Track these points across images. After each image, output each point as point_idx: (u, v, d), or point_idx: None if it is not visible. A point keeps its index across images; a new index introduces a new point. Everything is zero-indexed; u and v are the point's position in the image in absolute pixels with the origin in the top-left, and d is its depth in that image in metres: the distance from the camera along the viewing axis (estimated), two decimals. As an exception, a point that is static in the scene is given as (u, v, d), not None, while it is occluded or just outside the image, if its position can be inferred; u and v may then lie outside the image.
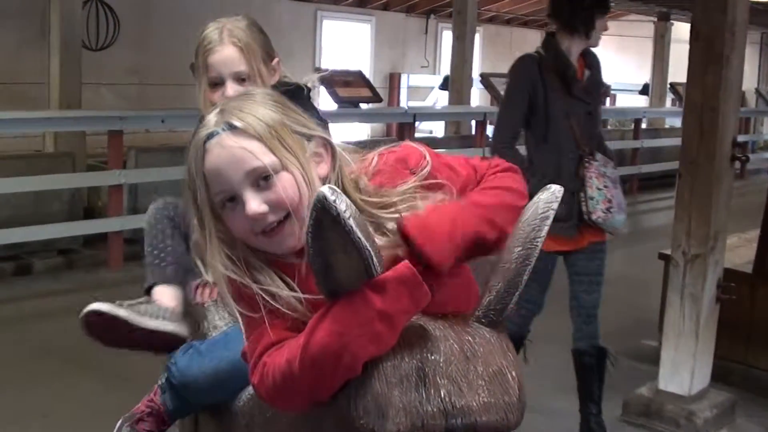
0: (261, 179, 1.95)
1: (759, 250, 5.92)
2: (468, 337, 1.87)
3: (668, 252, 5.35)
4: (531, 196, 1.99)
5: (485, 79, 14.55)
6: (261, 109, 2.01)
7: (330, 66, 15.15)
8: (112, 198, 8.46)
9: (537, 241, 1.90)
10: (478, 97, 17.98)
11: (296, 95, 2.95)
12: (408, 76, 19.01)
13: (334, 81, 11.41)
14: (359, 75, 12.55)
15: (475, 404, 1.80)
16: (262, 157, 1.95)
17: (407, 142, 2.13)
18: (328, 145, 2.06)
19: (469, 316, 1.93)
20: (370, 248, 1.75)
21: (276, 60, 3.22)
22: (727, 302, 5.28)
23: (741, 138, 6.28)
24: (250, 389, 2.38)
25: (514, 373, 1.87)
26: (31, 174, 7.97)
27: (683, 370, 5.19)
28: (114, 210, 8.43)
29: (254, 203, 1.93)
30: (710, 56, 4.93)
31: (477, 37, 16.05)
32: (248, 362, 1.96)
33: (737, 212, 5.72)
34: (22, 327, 6.66)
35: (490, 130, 13.12)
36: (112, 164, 8.45)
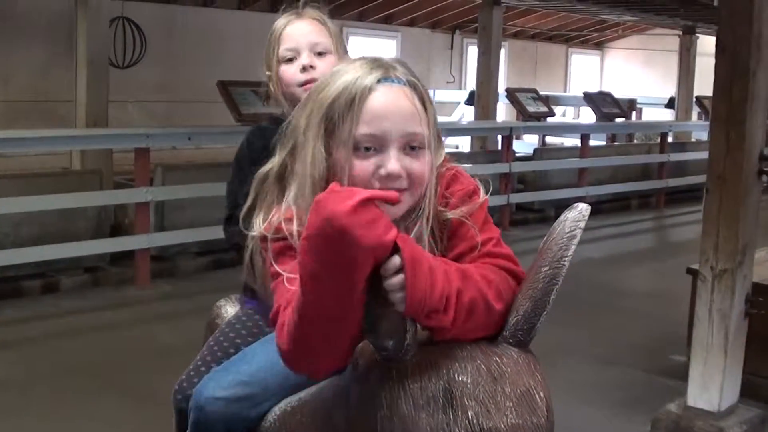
0: (411, 146, 1.99)
1: (788, 265, 5.88)
2: (495, 358, 1.87)
3: (696, 267, 5.32)
4: None
5: (511, 94, 14.55)
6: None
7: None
8: (139, 215, 8.47)
9: (564, 261, 1.89)
10: (504, 112, 17.98)
11: None
12: (434, 92, 19.03)
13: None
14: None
15: (503, 426, 1.79)
16: (424, 126, 1.99)
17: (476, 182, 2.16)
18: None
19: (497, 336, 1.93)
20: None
21: (348, 56, 3.01)
22: (755, 317, 5.25)
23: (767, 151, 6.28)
24: (276, 410, 2.37)
25: (542, 394, 1.86)
26: (58, 192, 7.99)
27: (712, 385, 5.15)
28: (141, 227, 8.44)
29: (396, 163, 1.96)
30: (736, 70, 4.90)
31: (502, 52, 16.04)
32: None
33: (765, 226, 5.68)
34: (49, 344, 6.68)
35: (516, 145, 13.15)
36: (138, 182, 8.47)
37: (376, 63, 2.03)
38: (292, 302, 1.87)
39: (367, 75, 1.98)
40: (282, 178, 2.13)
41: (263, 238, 2.08)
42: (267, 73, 3.05)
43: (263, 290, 2.20)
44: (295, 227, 2.00)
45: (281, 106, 3.06)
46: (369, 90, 1.96)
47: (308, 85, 2.90)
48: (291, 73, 2.97)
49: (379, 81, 1.98)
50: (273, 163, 2.15)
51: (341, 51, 3.03)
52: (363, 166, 1.96)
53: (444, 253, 2.06)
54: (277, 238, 2.04)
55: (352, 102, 1.96)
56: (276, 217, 2.06)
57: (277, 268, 2.02)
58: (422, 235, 2.04)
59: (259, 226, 2.12)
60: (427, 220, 2.05)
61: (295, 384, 2.35)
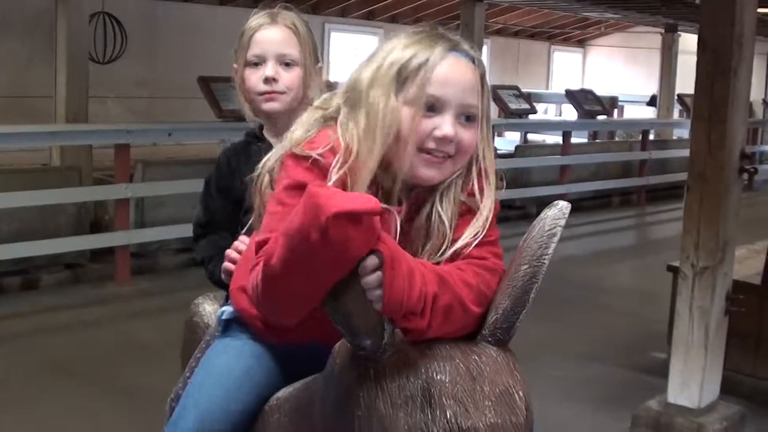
0: (467, 115, 2.12)
1: (768, 262, 5.89)
2: (474, 357, 1.86)
3: (677, 264, 5.33)
4: None
5: (493, 91, 14.52)
6: None
7: (338, 79, 15.16)
8: (119, 212, 8.44)
9: (544, 259, 1.88)
10: (485, 109, 17.97)
11: None
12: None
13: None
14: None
15: (481, 425, 1.78)
16: (478, 100, 2.14)
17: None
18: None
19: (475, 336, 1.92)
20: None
21: (320, 65, 3.04)
22: (736, 314, 5.25)
23: (748, 149, 6.26)
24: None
25: (521, 393, 1.85)
26: (37, 188, 7.95)
27: (692, 382, 5.16)
28: (121, 224, 8.41)
29: (452, 128, 2.08)
30: (718, 68, 4.90)
31: (485, 50, 16.06)
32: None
33: (745, 223, 5.70)
34: (28, 341, 6.64)
35: (497, 142, 13.14)
36: (118, 178, 8.43)
37: (444, 35, 2.17)
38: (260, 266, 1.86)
39: (439, 43, 2.12)
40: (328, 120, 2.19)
41: (291, 156, 2.11)
42: (234, 66, 3.00)
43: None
44: (336, 160, 2.05)
45: (242, 107, 3.05)
46: (441, 57, 2.09)
47: (267, 96, 2.92)
48: (254, 80, 2.93)
49: (449, 51, 2.11)
50: (328, 104, 2.22)
51: (310, 63, 2.96)
52: (420, 127, 2.08)
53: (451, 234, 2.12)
54: (307, 157, 2.08)
55: (425, 64, 2.08)
56: (320, 140, 2.11)
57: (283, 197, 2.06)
58: (434, 206, 2.14)
59: (289, 141, 2.16)
60: (445, 194, 2.15)
61: (254, 377, 2.37)
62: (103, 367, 6.16)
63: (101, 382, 5.86)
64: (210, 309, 3.00)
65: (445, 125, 2.07)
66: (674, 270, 5.61)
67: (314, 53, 3.00)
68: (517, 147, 13.90)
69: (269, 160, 2.24)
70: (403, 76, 2.09)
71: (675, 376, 5.23)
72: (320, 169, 2.06)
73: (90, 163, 9.51)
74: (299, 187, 1.98)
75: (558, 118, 20.90)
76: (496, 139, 13.30)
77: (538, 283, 1.87)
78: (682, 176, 5.43)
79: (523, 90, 15.21)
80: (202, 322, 2.96)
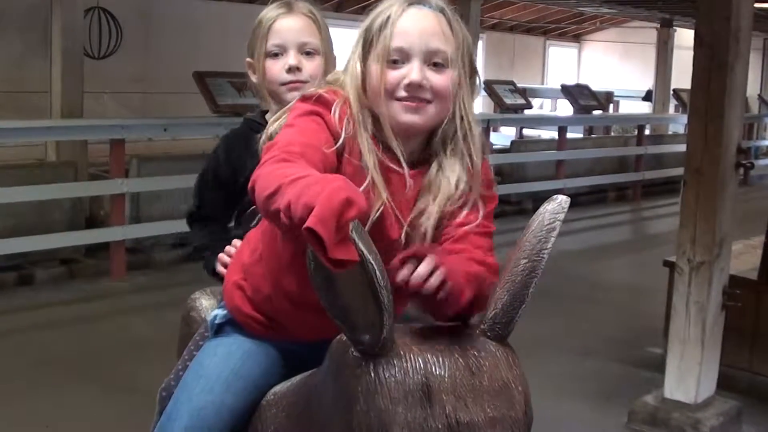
0: (434, 62, 2.20)
1: (764, 257, 5.88)
2: (473, 351, 1.85)
3: (673, 259, 5.33)
4: None
5: (488, 86, 14.54)
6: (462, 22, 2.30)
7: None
8: (114, 207, 8.42)
9: (543, 253, 1.88)
10: (481, 104, 17.96)
11: None
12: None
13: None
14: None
15: (480, 420, 1.78)
16: (447, 45, 2.21)
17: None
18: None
19: (475, 329, 1.91)
20: (373, 261, 1.73)
21: (335, 57, 2.98)
22: (732, 309, 5.25)
23: (744, 144, 6.26)
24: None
25: (520, 388, 1.85)
26: (33, 183, 7.94)
27: (689, 377, 5.16)
28: (116, 219, 8.39)
29: (419, 73, 2.18)
30: (714, 63, 4.90)
31: (480, 45, 16.04)
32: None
33: (741, 219, 5.69)
34: (24, 337, 6.64)
35: (493, 137, 13.14)
36: (114, 173, 8.42)
37: None
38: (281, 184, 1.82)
39: (401, 0, 2.23)
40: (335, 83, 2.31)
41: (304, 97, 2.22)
42: (248, 60, 2.95)
43: None
44: (336, 114, 2.17)
45: (264, 100, 2.96)
46: (401, 11, 2.21)
47: (292, 85, 2.85)
48: (276, 70, 2.87)
49: (410, 5, 2.22)
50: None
51: (329, 52, 2.92)
52: (392, 78, 2.18)
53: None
54: (313, 95, 2.21)
55: (387, 21, 2.20)
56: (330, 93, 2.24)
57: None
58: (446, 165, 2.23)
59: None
60: (449, 148, 2.24)
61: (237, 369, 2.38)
62: (98, 362, 6.15)
63: (96, 377, 5.85)
64: (207, 304, 2.99)
65: (411, 72, 2.17)
66: (671, 265, 5.61)
67: (331, 42, 2.97)
68: (512, 142, 13.91)
69: (273, 124, 2.29)
70: (368, 37, 2.23)
71: (671, 371, 5.23)
72: (324, 104, 2.17)
73: (85, 158, 9.50)
74: (309, 113, 2.15)
75: (553, 113, 20.88)
76: (492, 134, 13.29)
77: (538, 278, 1.87)
78: (678, 171, 5.43)
79: (519, 85, 15.21)
80: (199, 317, 2.94)
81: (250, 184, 1.91)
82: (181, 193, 8.36)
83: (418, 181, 2.22)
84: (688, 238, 5.08)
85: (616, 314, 7.78)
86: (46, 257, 8.24)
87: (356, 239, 1.69)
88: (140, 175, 8.69)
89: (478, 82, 2.33)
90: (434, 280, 1.86)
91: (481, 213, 2.23)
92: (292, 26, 2.88)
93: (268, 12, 2.92)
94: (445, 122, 2.22)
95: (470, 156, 2.23)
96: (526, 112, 15.00)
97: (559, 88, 16.60)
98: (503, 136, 16.07)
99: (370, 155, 2.15)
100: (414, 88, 2.17)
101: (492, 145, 12.33)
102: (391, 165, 2.19)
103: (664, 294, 6.05)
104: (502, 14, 21.28)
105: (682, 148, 5.32)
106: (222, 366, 2.39)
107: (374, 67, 2.20)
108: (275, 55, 2.88)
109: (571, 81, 19.67)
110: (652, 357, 6.33)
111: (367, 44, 2.24)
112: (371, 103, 2.21)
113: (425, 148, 2.27)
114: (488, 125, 12.34)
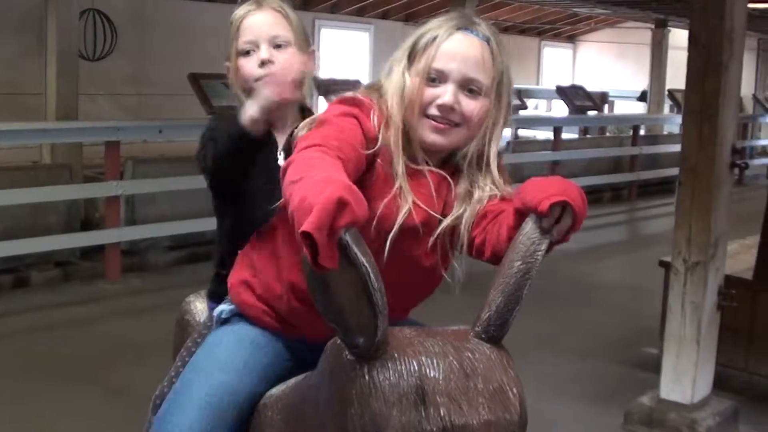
0: (470, 88, 2.29)
1: (759, 257, 5.89)
2: (468, 354, 1.85)
3: (669, 259, 5.33)
4: None
5: (483, 87, 14.51)
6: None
7: (328, 75, 15.14)
8: (110, 209, 8.41)
9: (537, 255, 1.88)
10: (476, 105, 17.98)
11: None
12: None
13: (332, 90, 11.38)
14: (358, 84, 12.53)
15: (475, 422, 1.78)
16: (486, 75, 2.31)
17: None
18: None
19: (469, 332, 1.91)
20: (367, 264, 1.73)
21: (312, 48, 2.91)
22: (728, 309, 5.26)
23: (739, 144, 6.28)
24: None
25: (515, 390, 1.85)
26: (28, 186, 7.93)
27: (685, 378, 5.16)
28: (111, 221, 8.38)
29: (451, 97, 2.27)
30: (709, 63, 4.90)
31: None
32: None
33: (737, 218, 5.70)
34: (19, 340, 6.63)
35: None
36: (109, 175, 8.40)
37: (462, 16, 2.37)
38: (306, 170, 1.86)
39: (451, 23, 2.32)
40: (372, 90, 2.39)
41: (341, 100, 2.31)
42: (227, 64, 2.89)
43: None
44: (374, 120, 2.25)
45: (239, 101, 2.83)
46: (448, 34, 2.30)
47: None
48: (249, 67, 2.80)
49: (459, 29, 2.30)
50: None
51: (302, 42, 2.85)
52: (428, 93, 2.28)
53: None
54: (351, 98, 2.30)
55: (432, 41, 2.30)
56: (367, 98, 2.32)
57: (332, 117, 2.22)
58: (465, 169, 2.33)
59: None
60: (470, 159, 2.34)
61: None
62: (94, 365, 6.14)
63: (92, 380, 5.84)
64: (201, 307, 2.98)
65: (445, 94, 2.26)
66: (666, 265, 5.61)
67: (305, 36, 2.91)
68: (507, 143, 13.88)
69: (299, 128, 2.30)
70: (414, 52, 2.32)
71: (667, 371, 5.23)
72: (361, 107, 2.26)
73: (80, 160, 9.50)
74: (346, 114, 2.22)
75: (549, 114, 20.90)
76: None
77: (532, 280, 1.88)
78: (673, 171, 5.43)
79: (514, 86, 15.18)
80: (194, 320, 2.94)
81: (283, 165, 1.94)
82: (177, 194, 8.37)
83: (443, 186, 2.32)
84: (684, 238, 5.09)
85: (612, 315, 7.79)
86: (42, 260, 8.23)
87: (350, 243, 1.69)
88: (135, 177, 8.68)
89: (510, 112, 2.43)
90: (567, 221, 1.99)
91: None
92: (261, 21, 2.83)
93: (238, 11, 2.88)
94: (469, 145, 2.33)
95: (493, 179, 2.34)
96: (522, 112, 15.01)
97: (554, 88, 16.62)
98: (498, 136, 16.05)
99: (400, 162, 2.25)
100: (445, 110, 2.27)
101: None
102: (418, 168, 2.29)
103: (660, 294, 6.05)
104: (497, 15, 21.28)
105: (677, 148, 5.32)
106: (236, 347, 2.41)
107: (414, 80, 2.30)
108: (247, 53, 2.81)
109: (566, 82, 19.69)
110: (648, 357, 6.33)
111: (412, 57, 2.33)
112: (404, 113, 2.29)
113: (446, 158, 2.37)
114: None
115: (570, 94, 15.70)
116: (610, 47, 25.39)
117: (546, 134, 15.53)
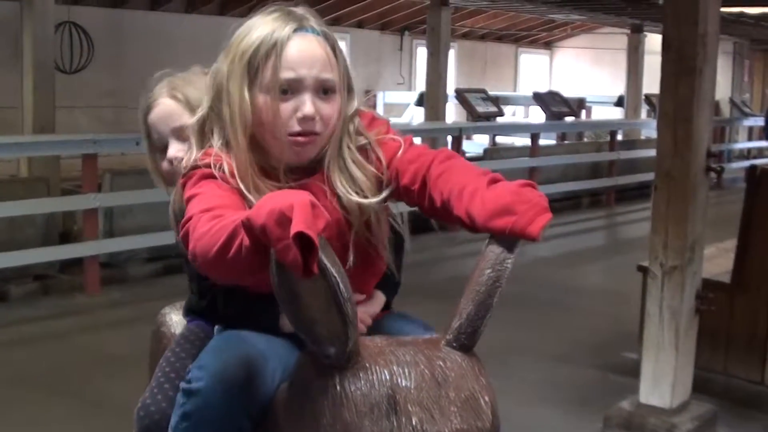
0: (324, 90, 2.20)
1: (737, 260, 5.90)
2: (439, 362, 1.85)
3: (646, 264, 5.34)
4: None
5: (460, 94, 14.56)
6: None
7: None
8: (88, 222, 8.39)
9: (507, 263, 1.88)
10: (454, 113, 18.00)
11: None
12: (384, 93, 18.97)
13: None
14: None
15: (447, 431, 1.78)
16: (334, 72, 2.21)
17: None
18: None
19: (440, 340, 1.91)
20: (336, 275, 1.73)
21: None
22: (706, 313, 5.27)
23: (716, 148, 6.30)
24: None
25: (487, 398, 1.85)
26: (5, 199, 7.89)
27: (664, 382, 5.17)
28: (89, 234, 8.36)
29: (312, 106, 2.16)
30: (682, 68, 4.92)
31: (451, 53, 16.08)
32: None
33: (714, 222, 5.72)
34: (-2, 354, 6.61)
35: (466, 145, 13.16)
36: (86, 188, 8.38)
37: (290, 14, 2.22)
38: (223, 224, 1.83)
39: (285, 26, 2.18)
40: (204, 124, 2.29)
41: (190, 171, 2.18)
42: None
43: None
44: (226, 167, 2.14)
45: None
46: (287, 39, 2.16)
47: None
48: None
49: (295, 31, 2.18)
50: (203, 110, 2.29)
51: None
52: (284, 109, 2.16)
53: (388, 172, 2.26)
54: (204, 165, 2.16)
55: (272, 50, 2.15)
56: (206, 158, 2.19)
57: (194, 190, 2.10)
58: (341, 166, 2.24)
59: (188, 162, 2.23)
60: (339, 154, 2.25)
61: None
62: (73, 378, 6.11)
63: (71, 393, 5.81)
64: (176, 319, 2.97)
65: (304, 106, 2.16)
66: (644, 270, 5.62)
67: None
68: (485, 150, 13.93)
69: (175, 203, 2.31)
70: (254, 66, 2.17)
71: (646, 376, 5.24)
72: (206, 169, 2.14)
73: (58, 173, 9.48)
74: (202, 179, 2.12)
75: (526, 121, 20.94)
76: (465, 142, 13.33)
77: (502, 287, 1.88)
78: (651, 176, 5.44)
79: (491, 93, 15.23)
80: (169, 332, 2.92)
81: (190, 252, 1.87)
82: (155, 206, 8.30)
83: (319, 195, 2.18)
84: (660, 243, 5.10)
85: (590, 320, 7.79)
86: (20, 273, 8.19)
87: (320, 252, 1.69)
88: (113, 190, 8.66)
89: (355, 96, 2.31)
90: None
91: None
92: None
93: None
94: (327, 146, 2.25)
95: (358, 157, 2.26)
96: (499, 119, 15.02)
97: (531, 95, 16.64)
98: (476, 144, 16.11)
99: (267, 190, 2.11)
100: (308, 122, 2.17)
101: (465, 153, 12.35)
102: (289, 184, 2.18)
103: (638, 299, 6.06)
104: (474, 23, 21.36)
105: (654, 152, 5.32)
106: (252, 337, 2.29)
107: (262, 99, 2.18)
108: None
109: (543, 88, 19.76)
110: (627, 362, 6.34)
111: (252, 71, 2.18)
112: (257, 134, 2.20)
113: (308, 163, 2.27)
114: (460, 133, 12.38)
115: (547, 100, 15.73)
116: (587, 53, 25.49)
117: (524, 141, 15.58)
